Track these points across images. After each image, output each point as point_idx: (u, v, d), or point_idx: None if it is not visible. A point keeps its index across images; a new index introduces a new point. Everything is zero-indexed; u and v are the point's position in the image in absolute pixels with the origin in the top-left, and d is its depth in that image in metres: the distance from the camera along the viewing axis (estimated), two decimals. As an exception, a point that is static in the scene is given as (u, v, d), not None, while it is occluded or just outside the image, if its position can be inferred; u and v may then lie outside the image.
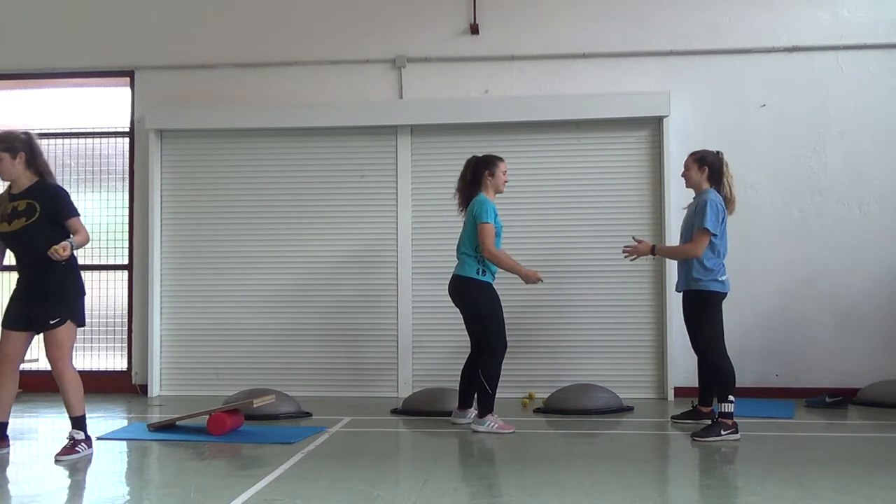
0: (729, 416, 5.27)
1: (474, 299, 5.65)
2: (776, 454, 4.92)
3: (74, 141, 8.02)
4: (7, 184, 4.99)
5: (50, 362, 4.89)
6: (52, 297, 4.84)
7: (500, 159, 5.83)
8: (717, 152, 5.66)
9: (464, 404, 5.85)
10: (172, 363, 7.61)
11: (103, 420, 6.26)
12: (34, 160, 4.89)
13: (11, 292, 5.00)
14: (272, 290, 7.55)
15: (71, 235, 4.82)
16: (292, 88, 7.67)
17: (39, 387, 7.72)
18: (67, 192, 4.97)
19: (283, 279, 7.55)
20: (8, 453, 4.97)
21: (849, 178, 7.21)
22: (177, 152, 7.71)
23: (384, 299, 7.44)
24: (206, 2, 7.83)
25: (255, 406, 5.56)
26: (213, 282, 7.59)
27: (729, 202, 5.56)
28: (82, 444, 4.89)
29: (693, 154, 5.69)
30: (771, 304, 7.19)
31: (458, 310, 5.78)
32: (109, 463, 4.82)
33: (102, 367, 7.81)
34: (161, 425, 5.60)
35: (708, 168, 5.58)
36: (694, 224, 5.50)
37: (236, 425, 5.58)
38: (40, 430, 6.17)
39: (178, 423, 5.72)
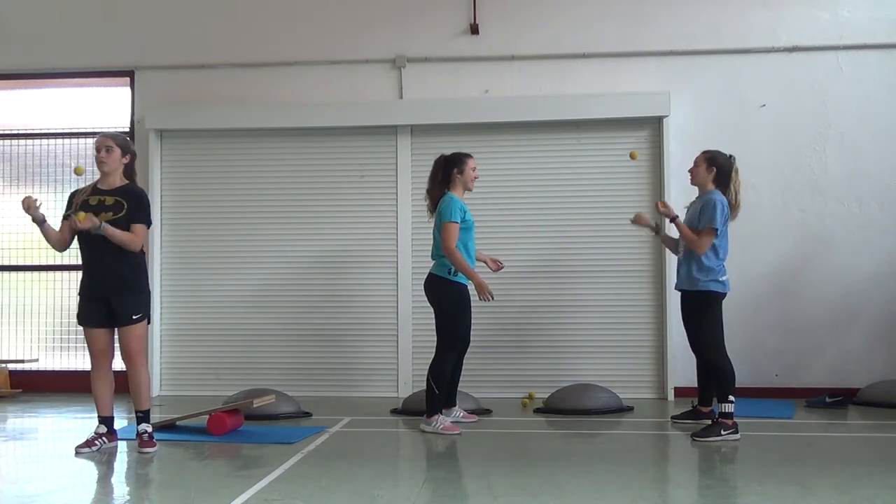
0: (729, 416, 5.27)
1: (437, 297, 5.72)
2: (776, 454, 4.91)
3: (74, 141, 8.01)
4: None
5: (128, 356, 5.04)
6: (131, 292, 5.03)
7: (469, 156, 5.87)
8: (730, 156, 5.60)
9: (449, 403, 5.94)
10: (172, 363, 7.61)
11: (103, 420, 6.25)
12: (132, 165, 5.22)
13: (81, 289, 5.09)
14: (272, 289, 7.55)
15: (103, 225, 4.86)
16: (292, 88, 7.67)
17: (39, 387, 7.75)
18: (149, 201, 5.19)
19: (284, 279, 7.55)
20: (116, 446, 5.09)
21: (849, 178, 7.21)
22: (177, 152, 7.70)
23: (384, 299, 7.44)
24: (206, 2, 7.83)
25: (255, 406, 5.56)
26: (213, 282, 7.59)
27: (734, 208, 5.53)
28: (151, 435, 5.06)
29: (705, 153, 5.65)
30: (771, 304, 7.19)
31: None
32: (110, 463, 4.81)
33: (102, 367, 7.81)
34: (161, 425, 5.59)
35: (717, 170, 5.54)
36: (698, 221, 5.48)
37: (236, 425, 5.58)
38: (40, 429, 6.17)
39: (178, 423, 5.72)
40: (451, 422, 5.75)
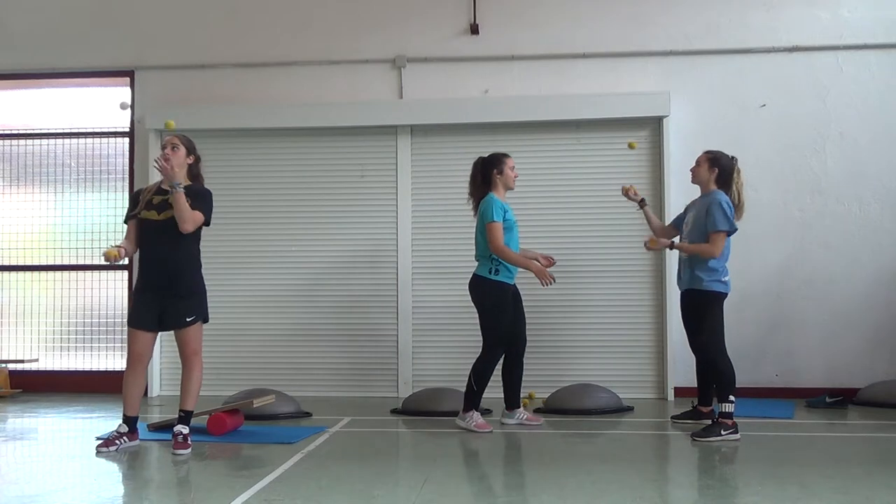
0: (729, 416, 5.27)
1: (480, 297, 5.66)
2: (776, 454, 4.91)
3: (74, 141, 8.02)
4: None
5: (185, 356, 5.12)
6: (188, 295, 5.07)
7: (507, 155, 5.84)
8: (733, 157, 5.62)
9: (511, 405, 5.85)
10: (172, 363, 7.58)
11: (103, 420, 6.25)
12: (197, 167, 5.24)
13: (137, 289, 5.13)
14: (272, 289, 7.55)
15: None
16: (292, 88, 7.67)
17: (39, 387, 7.75)
18: (212, 198, 5.20)
19: (283, 279, 7.55)
20: (138, 446, 5.10)
21: (849, 178, 7.21)
22: (177, 152, 7.69)
23: (384, 299, 7.44)
24: (206, 2, 7.83)
25: (255, 406, 5.56)
26: (212, 282, 7.43)
27: (738, 208, 5.53)
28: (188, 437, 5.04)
29: (708, 152, 5.67)
30: (771, 304, 7.19)
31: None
32: (110, 463, 4.81)
33: (102, 367, 7.82)
34: (161, 425, 5.59)
35: (718, 170, 5.55)
36: (704, 225, 5.46)
37: (236, 425, 5.58)
38: (40, 429, 6.17)
39: (178, 423, 5.72)
40: (515, 423, 5.75)
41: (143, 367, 5.17)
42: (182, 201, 4.92)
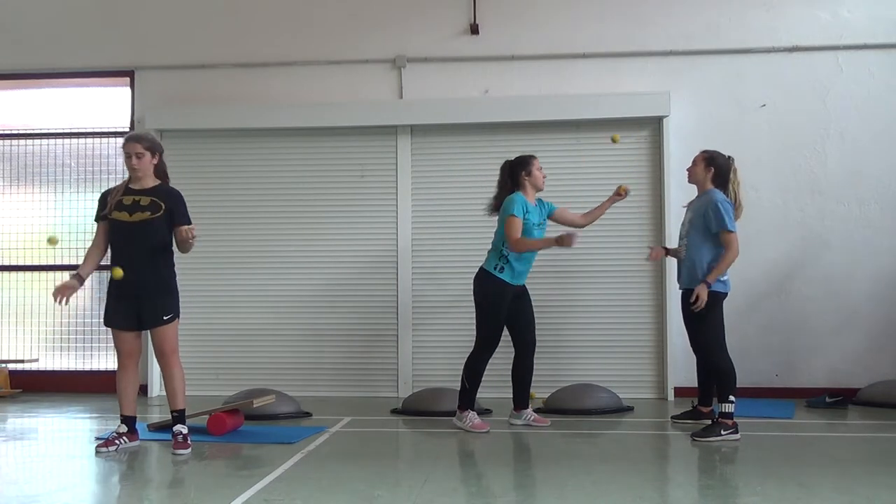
0: (729, 416, 5.27)
1: (479, 291, 5.65)
2: (776, 454, 4.91)
3: (74, 141, 8.02)
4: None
5: (161, 357, 5.10)
6: (163, 294, 5.05)
7: (533, 156, 5.80)
8: (729, 157, 5.63)
9: (519, 405, 5.84)
10: (172, 363, 7.60)
11: (103, 420, 6.26)
12: (161, 164, 5.17)
13: (111, 290, 5.09)
14: (271, 290, 7.55)
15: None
16: (292, 88, 7.67)
17: (39, 387, 7.75)
18: (183, 197, 5.16)
19: (283, 279, 7.55)
20: (138, 446, 5.10)
21: (849, 178, 7.21)
22: (177, 152, 7.65)
23: (384, 299, 7.44)
24: (206, 2, 7.83)
25: (255, 406, 5.56)
26: (212, 282, 7.59)
27: (736, 208, 5.54)
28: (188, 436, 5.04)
29: (704, 152, 5.67)
30: (771, 304, 7.19)
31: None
32: (110, 463, 4.81)
33: (102, 367, 7.82)
34: (161, 425, 5.59)
35: (715, 169, 5.56)
36: (706, 227, 5.43)
37: (236, 425, 5.58)
38: (40, 430, 6.17)
39: (178, 423, 5.71)
40: (522, 424, 5.75)
41: (134, 366, 5.15)
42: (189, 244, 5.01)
